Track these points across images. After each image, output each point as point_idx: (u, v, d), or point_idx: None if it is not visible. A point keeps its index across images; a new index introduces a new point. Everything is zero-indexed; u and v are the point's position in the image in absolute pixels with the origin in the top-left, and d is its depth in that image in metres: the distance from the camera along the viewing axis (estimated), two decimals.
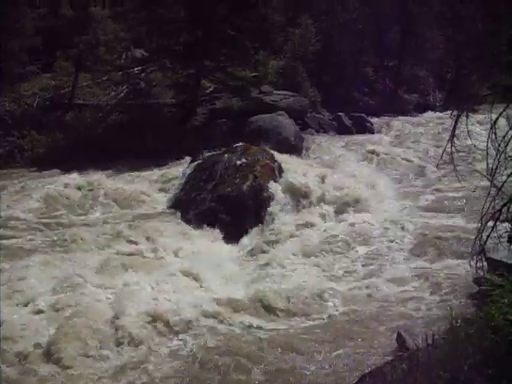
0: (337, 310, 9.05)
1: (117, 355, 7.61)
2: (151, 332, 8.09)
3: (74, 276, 9.54)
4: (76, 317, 8.22)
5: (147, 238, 11.62)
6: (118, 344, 7.81)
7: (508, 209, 5.26)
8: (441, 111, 27.08)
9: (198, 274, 9.80)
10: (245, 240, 12.16)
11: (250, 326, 8.54)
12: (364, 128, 23.64)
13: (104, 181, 15.57)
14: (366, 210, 13.19)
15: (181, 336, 8.10)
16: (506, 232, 6.48)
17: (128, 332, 7.92)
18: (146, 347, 7.80)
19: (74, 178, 15.70)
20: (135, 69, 21.69)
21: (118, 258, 10.73)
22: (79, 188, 14.97)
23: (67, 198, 14.46)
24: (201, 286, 9.61)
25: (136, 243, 11.42)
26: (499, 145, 5.20)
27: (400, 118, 26.51)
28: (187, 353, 7.72)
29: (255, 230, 12.46)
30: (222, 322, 8.50)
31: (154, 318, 8.26)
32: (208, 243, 11.81)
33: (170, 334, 8.14)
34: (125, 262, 10.41)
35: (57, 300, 8.75)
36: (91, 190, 14.92)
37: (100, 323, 8.12)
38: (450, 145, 5.35)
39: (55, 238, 11.83)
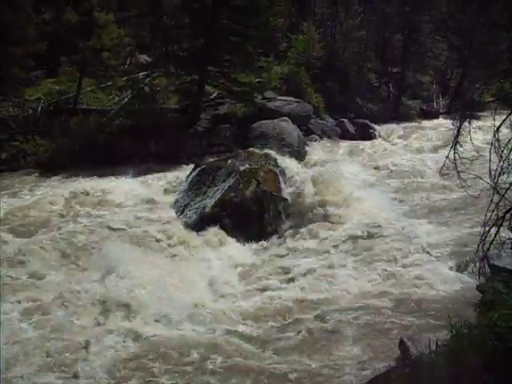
0: (338, 315, 9.02)
1: None
2: None
3: None
4: None
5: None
6: None
7: (511, 215, 5.25)
8: (444, 118, 27.08)
9: None
10: None
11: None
12: (367, 134, 23.65)
13: (106, 185, 15.64)
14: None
15: None
16: (509, 239, 6.47)
17: None
18: None
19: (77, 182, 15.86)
20: (139, 74, 21.75)
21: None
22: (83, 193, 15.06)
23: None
24: None
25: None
26: (502, 151, 5.20)
27: (403, 124, 26.50)
28: None
29: None
30: None
31: None
32: None
33: None
34: None
35: None
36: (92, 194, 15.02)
37: None
38: (452, 151, 5.35)
39: None
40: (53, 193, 15.24)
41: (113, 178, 16.60)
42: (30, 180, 16.78)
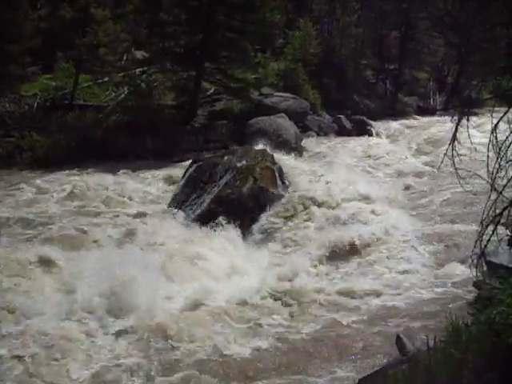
0: (336, 313, 9.03)
1: None
2: None
3: None
4: None
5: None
6: None
7: (508, 212, 5.26)
8: (441, 115, 27.15)
9: None
10: None
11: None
12: (364, 131, 23.67)
13: (101, 181, 15.61)
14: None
15: None
16: (507, 236, 6.49)
17: None
18: None
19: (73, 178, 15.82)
20: (136, 70, 21.73)
21: None
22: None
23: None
24: None
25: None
26: (500, 148, 5.20)
27: (400, 121, 26.53)
28: None
29: None
30: None
31: None
32: None
33: None
34: None
35: None
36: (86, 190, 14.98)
37: None
38: (450, 149, 5.34)
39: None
40: (46, 189, 15.19)
41: (108, 173, 16.56)
42: (26, 176, 16.73)
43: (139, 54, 23.25)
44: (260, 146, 15.40)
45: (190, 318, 8.50)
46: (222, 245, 11.51)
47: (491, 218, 5.32)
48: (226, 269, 10.37)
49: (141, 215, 13.62)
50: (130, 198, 14.78)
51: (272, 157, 14.42)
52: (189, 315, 8.62)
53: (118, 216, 13.57)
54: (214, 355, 7.65)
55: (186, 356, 7.60)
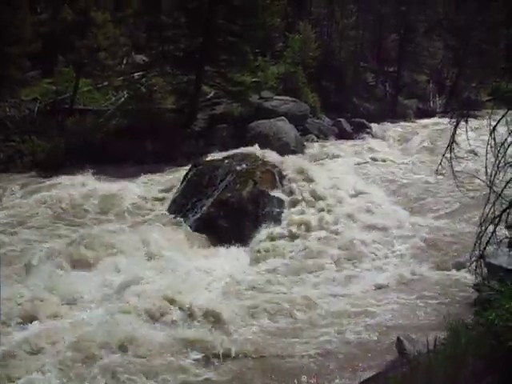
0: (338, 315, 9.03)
1: None
2: None
3: None
4: None
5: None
6: None
7: (508, 214, 5.27)
8: (441, 117, 27.14)
9: None
10: None
11: None
12: (364, 133, 23.66)
13: (103, 185, 15.59)
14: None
15: None
16: (506, 237, 6.50)
17: None
18: None
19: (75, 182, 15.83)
20: (136, 74, 21.75)
21: None
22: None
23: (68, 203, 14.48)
24: None
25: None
26: (498, 150, 5.21)
27: (400, 123, 26.54)
28: None
29: None
30: None
31: None
32: None
33: None
34: None
35: None
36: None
37: None
38: (449, 151, 5.36)
39: None
40: (45, 195, 15.16)
41: (108, 177, 16.54)
42: (25, 181, 16.71)
43: (139, 58, 23.27)
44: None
45: None
46: None
47: (490, 220, 5.32)
48: None
49: (140, 220, 13.61)
50: (129, 203, 14.69)
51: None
52: None
53: (111, 223, 13.46)
54: None
55: None
